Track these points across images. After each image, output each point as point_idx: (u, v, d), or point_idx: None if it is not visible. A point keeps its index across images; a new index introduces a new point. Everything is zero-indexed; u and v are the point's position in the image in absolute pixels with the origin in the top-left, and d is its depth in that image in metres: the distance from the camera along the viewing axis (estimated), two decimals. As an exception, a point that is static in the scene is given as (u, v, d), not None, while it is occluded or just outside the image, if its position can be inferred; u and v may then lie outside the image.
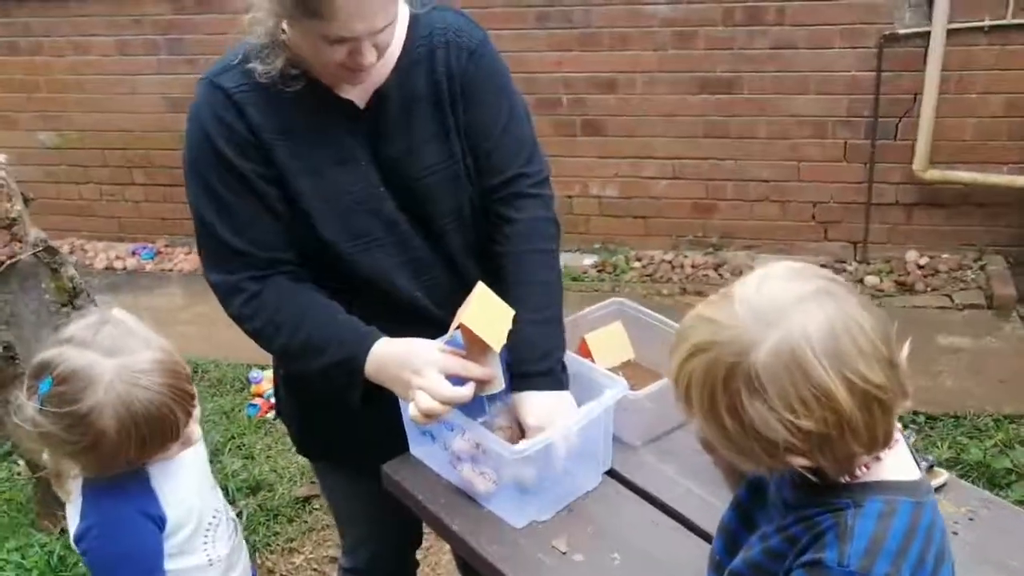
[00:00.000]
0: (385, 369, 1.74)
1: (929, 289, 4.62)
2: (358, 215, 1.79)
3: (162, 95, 5.49)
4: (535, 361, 1.79)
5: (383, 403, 1.81)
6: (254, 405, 4.11)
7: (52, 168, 5.80)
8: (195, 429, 1.71)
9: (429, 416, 1.67)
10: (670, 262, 5.11)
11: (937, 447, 3.38)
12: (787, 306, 1.13)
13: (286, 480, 3.62)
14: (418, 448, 1.93)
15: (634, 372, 2.06)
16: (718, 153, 4.94)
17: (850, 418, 1.10)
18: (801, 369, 1.09)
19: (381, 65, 1.72)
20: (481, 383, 1.72)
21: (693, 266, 5.05)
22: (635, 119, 4.96)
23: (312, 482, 3.59)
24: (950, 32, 4.35)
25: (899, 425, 1.23)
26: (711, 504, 1.79)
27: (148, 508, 1.65)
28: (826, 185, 4.85)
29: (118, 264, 5.76)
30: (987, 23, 4.36)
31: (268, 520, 3.44)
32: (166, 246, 5.89)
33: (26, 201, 2.86)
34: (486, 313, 1.69)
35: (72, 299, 2.91)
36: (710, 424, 1.18)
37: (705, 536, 1.71)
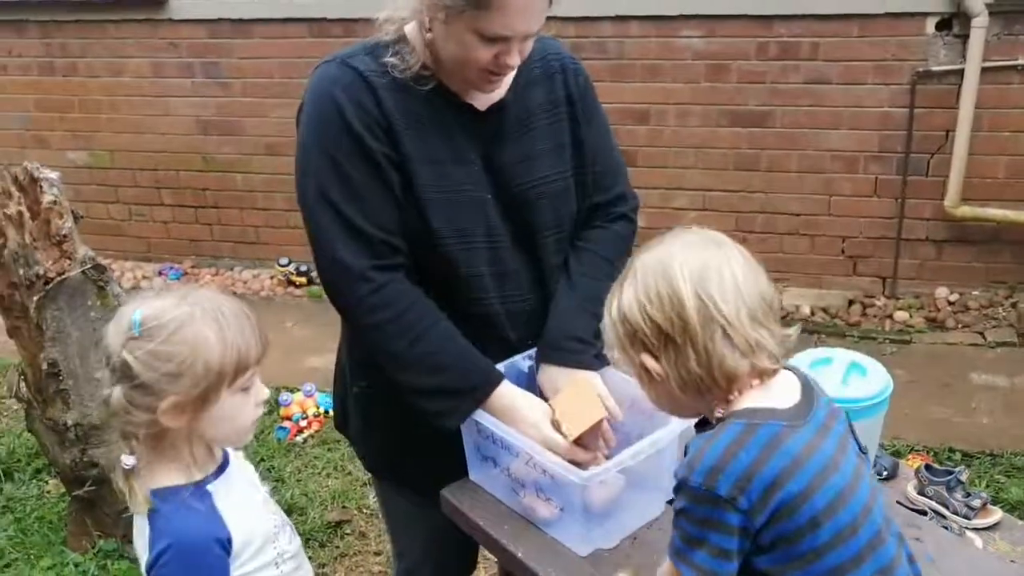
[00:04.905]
0: (501, 414, 1.81)
1: (960, 326, 4.61)
2: (467, 213, 1.82)
3: (195, 117, 5.54)
4: (567, 339, 1.90)
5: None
6: (283, 428, 4.10)
7: (82, 187, 5.81)
8: (263, 387, 1.69)
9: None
10: (698, 294, 5.10)
11: (975, 485, 3.36)
12: (660, 242, 1.40)
13: (317, 504, 3.60)
14: (478, 473, 1.93)
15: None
16: (748, 186, 4.96)
17: (691, 328, 1.31)
18: (665, 271, 1.34)
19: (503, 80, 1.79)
20: None
21: (721, 298, 5.04)
22: (666, 150, 4.99)
23: (344, 507, 3.58)
24: (984, 70, 4.38)
25: (793, 374, 1.43)
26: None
27: (218, 532, 1.61)
28: (856, 220, 4.86)
29: (144, 284, 5.77)
30: (1021, 62, 4.39)
31: (300, 544, 3.41)
32: (192, 267, 5.92)
33: (76, 219, 2.88)
34: (581, 411, 1.81)
35: (117, 317, 2.92)
36: (607, 324, 1.43)
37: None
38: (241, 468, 1.80)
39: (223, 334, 1.58)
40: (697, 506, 1.31)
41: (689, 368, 1.34)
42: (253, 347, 1.62)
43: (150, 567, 1.60)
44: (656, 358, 1.36)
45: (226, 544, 1.63)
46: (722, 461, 1.29)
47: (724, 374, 1.34)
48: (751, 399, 1.37)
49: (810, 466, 1.30)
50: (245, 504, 1.72)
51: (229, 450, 1.77)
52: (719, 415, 1.38)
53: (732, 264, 1.34)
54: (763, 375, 1.37)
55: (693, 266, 1.33)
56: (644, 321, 1.35)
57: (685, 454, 1.37)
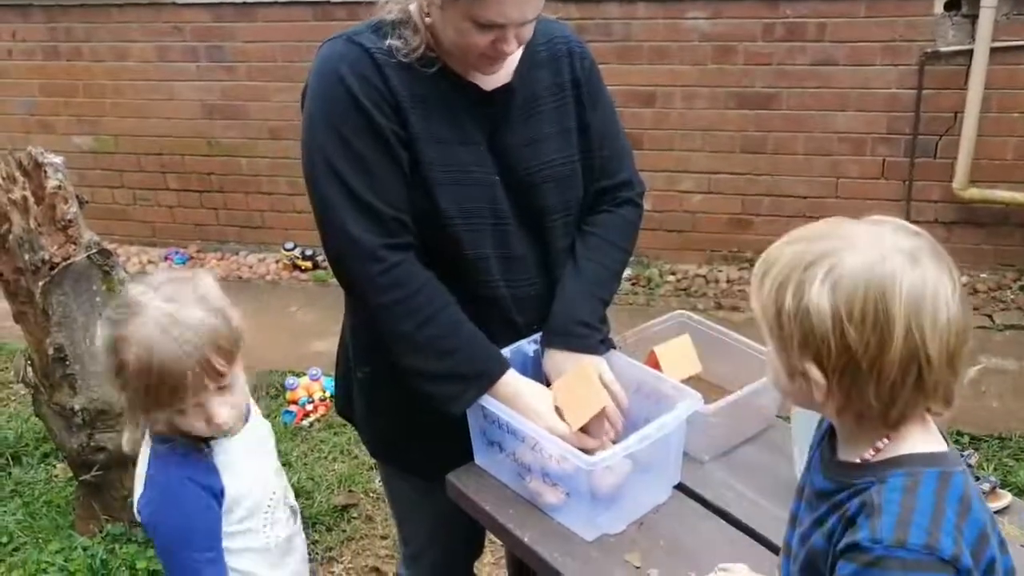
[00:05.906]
0: (506, 402, 1.80)
1: (968, 308, 4.58)
2: (474, 194, 1.81)
3: (200, 101, 5.52)
4: (572, 324, 1.90)
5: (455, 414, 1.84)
6: (289, 412, 4.10)
7: (86, 172, 5.81)
8: (223, 413, 1.66)
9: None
10: (704, 277, 5.10)
11: (984, 468, 3.35)
12: (899, 242, 1.14)
13: (324, 488, 3.61)
14: (483, 458, 1.93)
15: (699, 386, 2.05)
16: (755, 168, 4.94)
17: (887, 361, 1.11)
18: (882, 287, 1.10)
19: (507, 62, 1.78)
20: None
21: (728, 281, 5.04)
22: (672, 133, 4.97)
23: (350, 491, 3.59)
24: (993, 51, 4.35)
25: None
26: (781, 519, 1.76)
27: (210, 481, 1.69)
28: (864, 202, 4.82)
29: (150, 269, 5.77)
30: (1031, 42, 4.35)
31: (306, 528, 3.41)
32: (198, 251, 5.91)
33: (81, 204, 2.87)
34: (583, 399, 1.80)
35: (123, 302, 2.92)
36: (770, 306, 1.18)
37: (778, 551, 1.70)
38: (256, 432, 1.85)
39: (138, 363, 1.57)
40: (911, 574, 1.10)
41: (863, 397, 1.15)
42: (163, 394, 1.60)
43: (142, 507, 1.70)
44: (827, 375, 1.16)
45: (218, 495, 1.70)
46: (935, 516, 1.12)
47: (900, 413, 1.16)
48: (917, 438, 1.21)
49: (990, 517, 1.19)
50: (246, 463, 1.78)
51: (254, 413, 1.85)
52: (881, 445, 1.20)
53: (948, 288, 1.12)
54: (927, 412, 1.21)
55: (914, 287, 1.10)
56: (834, 333, 1.12)
57: (852, 517, 1.18)
